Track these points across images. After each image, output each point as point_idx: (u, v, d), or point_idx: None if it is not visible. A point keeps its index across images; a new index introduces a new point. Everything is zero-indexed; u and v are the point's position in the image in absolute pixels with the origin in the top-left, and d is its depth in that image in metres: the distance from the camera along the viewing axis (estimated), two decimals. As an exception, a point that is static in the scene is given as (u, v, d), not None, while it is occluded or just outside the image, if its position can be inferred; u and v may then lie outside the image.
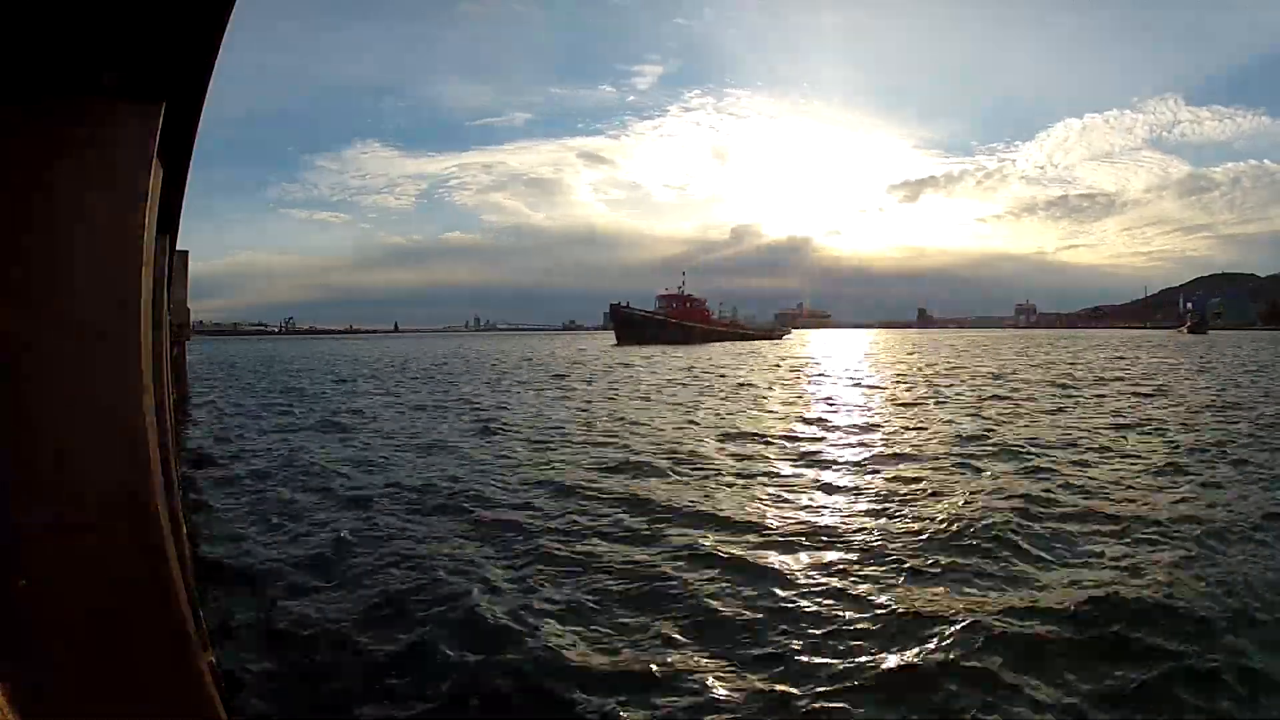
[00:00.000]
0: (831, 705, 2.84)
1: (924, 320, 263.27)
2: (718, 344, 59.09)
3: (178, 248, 5.75)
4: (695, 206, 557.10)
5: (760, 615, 3.66)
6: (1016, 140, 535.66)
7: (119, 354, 1.47)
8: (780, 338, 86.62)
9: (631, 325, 62.39)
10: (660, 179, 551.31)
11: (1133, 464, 7.40)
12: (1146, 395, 14.41)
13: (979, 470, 7.10)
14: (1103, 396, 14.26)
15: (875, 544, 4.74)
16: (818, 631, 3.48)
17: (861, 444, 8.79)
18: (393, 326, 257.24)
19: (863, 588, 4.00)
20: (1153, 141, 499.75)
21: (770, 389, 17.03)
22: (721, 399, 14.79)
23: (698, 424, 10.77)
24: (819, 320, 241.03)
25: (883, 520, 5.32)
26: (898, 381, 19.08)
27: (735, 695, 2.92)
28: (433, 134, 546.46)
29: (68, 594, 1.37)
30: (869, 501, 5.92)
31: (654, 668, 3.13)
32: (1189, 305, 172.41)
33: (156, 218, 1.96)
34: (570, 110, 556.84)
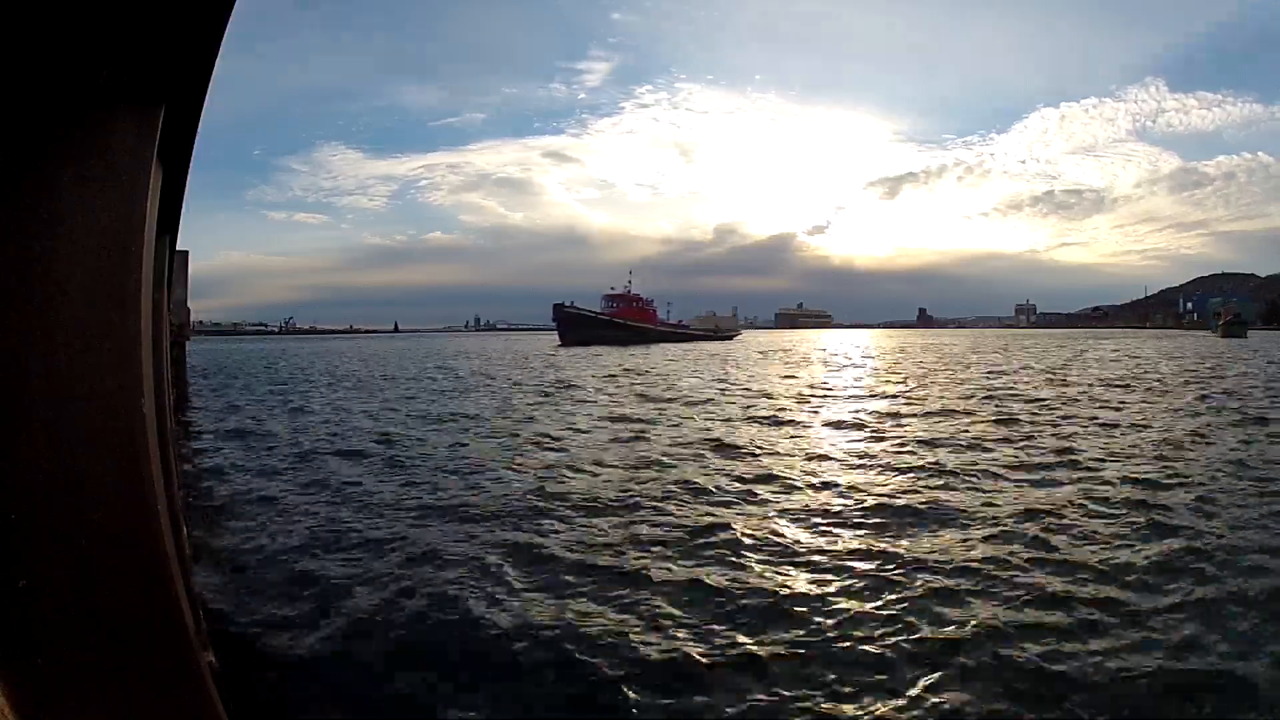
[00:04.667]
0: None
1: (924, 320, 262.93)
2: (673, 345, 58.16)
3: (178, 248, 5.75)
4: (672, 205, 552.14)
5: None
6: (992, 133, 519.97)
7: (119, 354, 1.48)
8: (731, 338, 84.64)
9: (575, 326, 61.14)
10: (631, 178, 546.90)
11: None
12: None
13: None
14: None
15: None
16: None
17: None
18: (393, 326, 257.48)
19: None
20: (1138, 133, 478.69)
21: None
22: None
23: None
24: (820, 320, 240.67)
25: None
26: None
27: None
28: (395, 136, 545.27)
29: (67, 594, 1.37)
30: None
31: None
32: (1188, 305, 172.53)
33: (157, 218, 1.96)
34: (525, 109, 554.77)
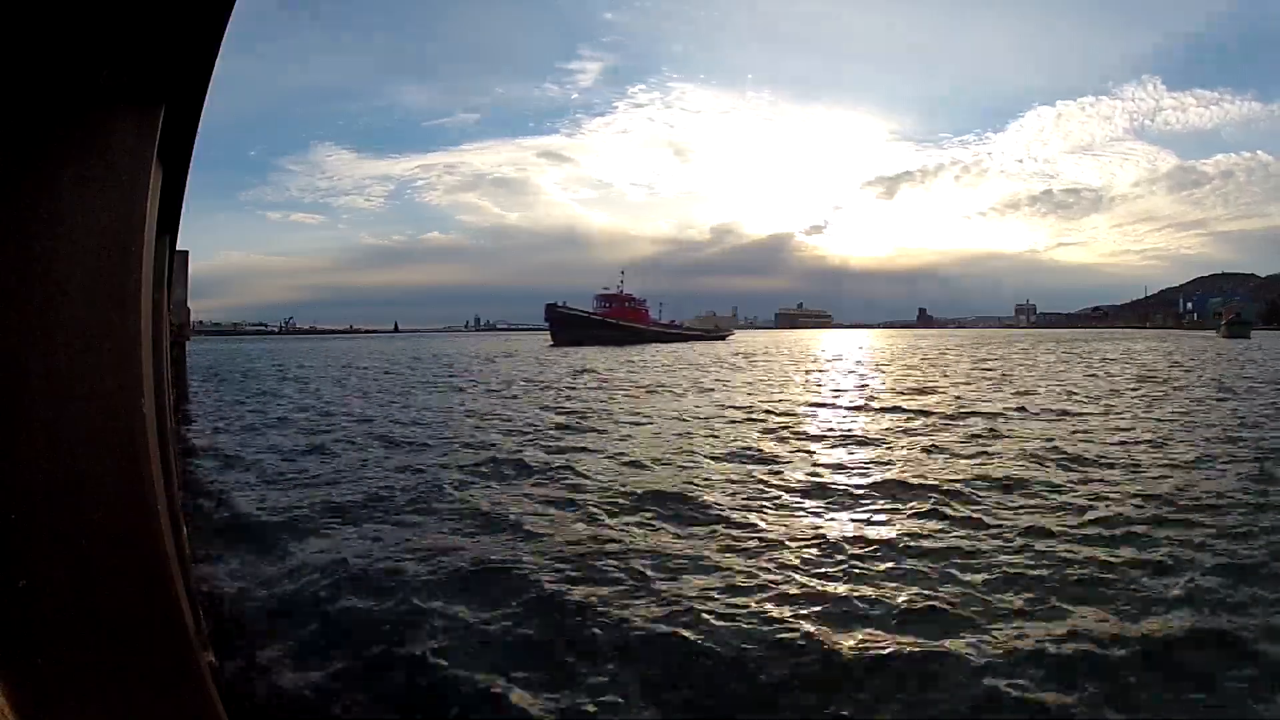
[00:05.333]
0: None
1: (924, 320, 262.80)
2: (664, 345, 58.50)
3: (178, 248, 5.76)
4: (669, 205, 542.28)
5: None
6: (988, 132, 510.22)
7: (119, 354, 1.48)
8: (724, 338, 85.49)
9: (567, 326, 61.68)
10: (627, 177, 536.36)
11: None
12: None
13: None
14: None
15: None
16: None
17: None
18: (393, 327, 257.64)
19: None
20: (1135, 131, 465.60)
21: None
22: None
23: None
24: (821, 320, 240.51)
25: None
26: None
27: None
28: (390, 136, 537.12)
29: (68, 594, 1.37)
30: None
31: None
32: (1188, 305, 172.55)
33: (157, 218, 1.97)
34: (519, 110, 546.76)
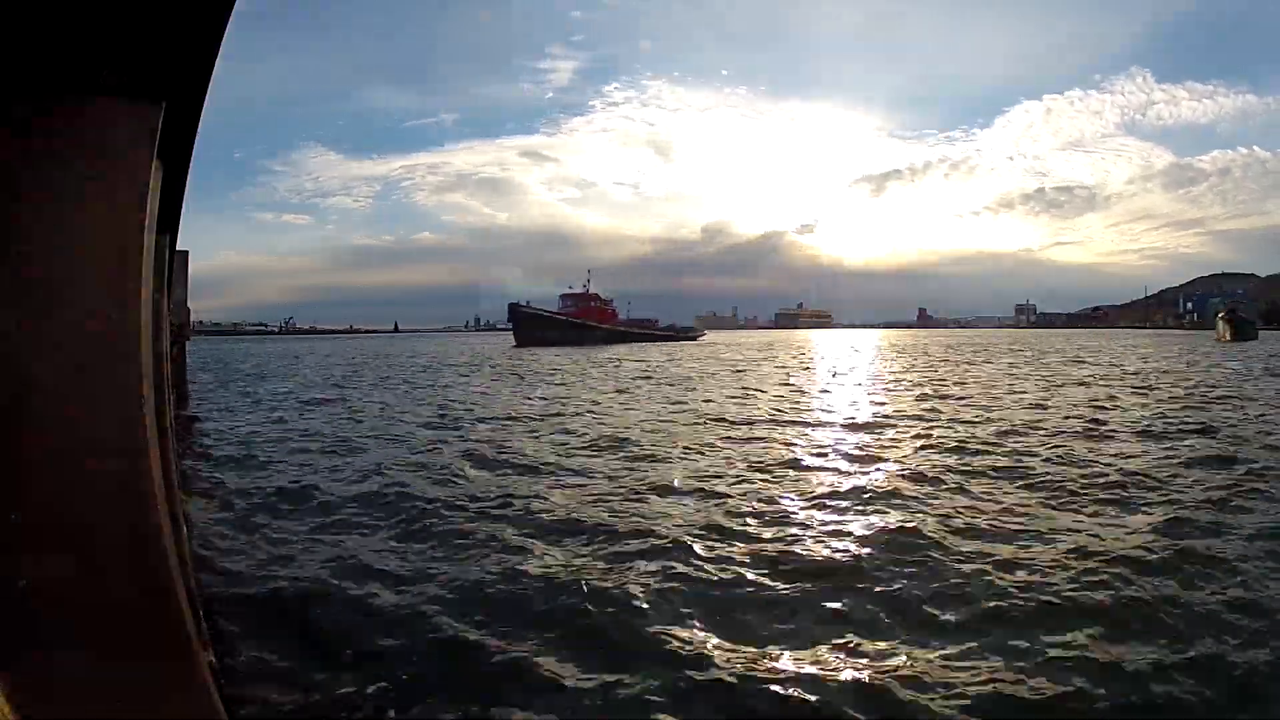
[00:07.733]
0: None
1: (924, 320, 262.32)
2: (622, 345, 57.93)
3: (178, 248, 5.75)
4: (657, 204, 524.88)
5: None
6: (975, 128, 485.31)
7: (119, 354, 1.48)
8: (695, 339, 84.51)
9: (531, 325, 61.08)
10: (610, 177, 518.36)
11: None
12: None
13: None
14: None
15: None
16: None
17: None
18: (393, 327, 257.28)
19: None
20: (1127, 127, 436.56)
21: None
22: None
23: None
24: (820, 320, 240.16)
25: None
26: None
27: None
28: (372, 137, 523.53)
29: (68, 594, 1.37)
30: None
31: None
32: (1188, 305, 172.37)
33: (157, 218, 1.97)
34: (498, 110, 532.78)
